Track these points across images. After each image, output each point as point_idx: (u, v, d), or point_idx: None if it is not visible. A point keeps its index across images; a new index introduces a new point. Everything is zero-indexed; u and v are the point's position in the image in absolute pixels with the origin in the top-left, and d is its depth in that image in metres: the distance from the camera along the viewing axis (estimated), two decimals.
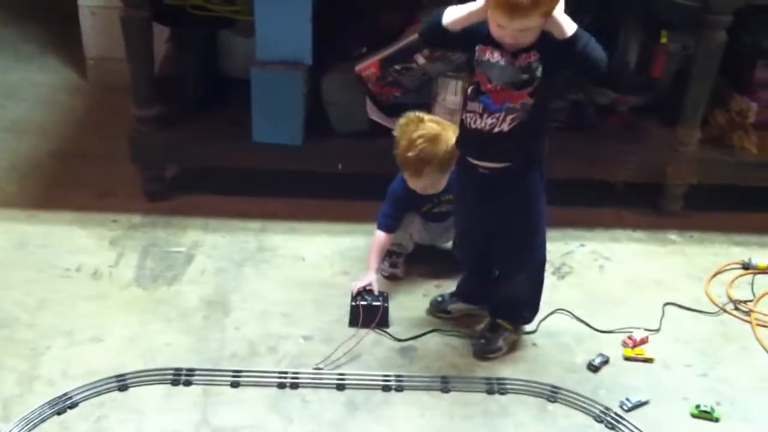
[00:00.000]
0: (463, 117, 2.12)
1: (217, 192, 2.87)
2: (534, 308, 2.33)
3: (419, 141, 2.31)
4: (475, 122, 2.08)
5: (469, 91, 2.10)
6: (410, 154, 2.32)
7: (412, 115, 2.38)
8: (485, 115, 2.06)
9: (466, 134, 2.13)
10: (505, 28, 1.95)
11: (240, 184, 2.88)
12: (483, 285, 2.35)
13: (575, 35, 1.96)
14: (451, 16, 2.02)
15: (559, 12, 1.96)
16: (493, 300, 2.34)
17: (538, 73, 2.00)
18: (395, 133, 2.39)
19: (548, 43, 1.98)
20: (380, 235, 2.46)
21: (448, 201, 2.46)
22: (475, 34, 2.03)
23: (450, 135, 2.31)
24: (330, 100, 2.77)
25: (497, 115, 2.05)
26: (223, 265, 2.58)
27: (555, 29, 1.96)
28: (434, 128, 2.34)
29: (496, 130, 2.06)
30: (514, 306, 2.31)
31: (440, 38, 2.09)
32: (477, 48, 2.04)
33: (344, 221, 2.76)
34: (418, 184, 2.41)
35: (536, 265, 2.26)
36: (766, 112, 2.88)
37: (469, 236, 2.32)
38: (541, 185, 2.17)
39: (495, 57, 2.02)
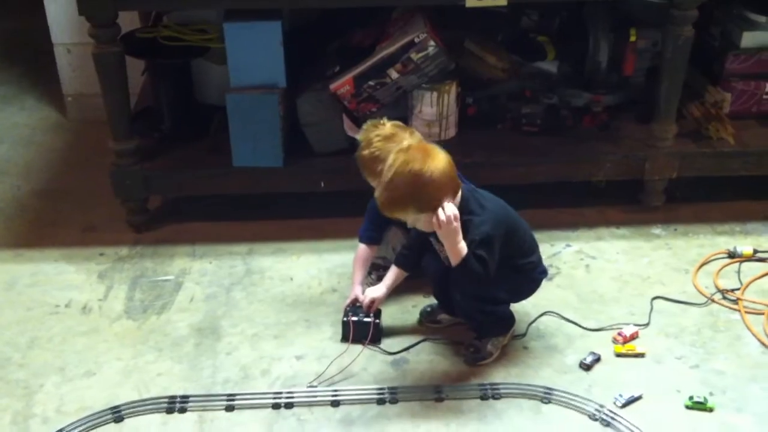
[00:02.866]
0: None
1: (202, 218, 2.88)
2: (507, 317, 2.34)
3: (375, 139, 2.31)
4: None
5: None
6: (365, 152, 2.32)
7: (375, 120, 2.40)
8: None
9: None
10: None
11: (224, 209, 2.90)
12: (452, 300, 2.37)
13: (455, 267, 2.14)
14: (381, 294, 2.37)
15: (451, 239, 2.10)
16: (473, 327, 2.36)
17: None
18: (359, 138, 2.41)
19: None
20: (361, 248, 2.47)
21: None
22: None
23: (408, 137, 2.29)
24: (306, 121, 2.79)
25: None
26: (212, 291, 2.59)
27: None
28: (392, 129, 2.33)
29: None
30: (484, 324, 2.32)
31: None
32: None
33: (330, 239, 2.78)
34: (376, 185, 2.39)
35: (489, 288, 2.25)
36: (740, 102, 2.92)
37: (435, 270, 2.34)
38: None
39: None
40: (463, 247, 2.11)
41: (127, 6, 2.69)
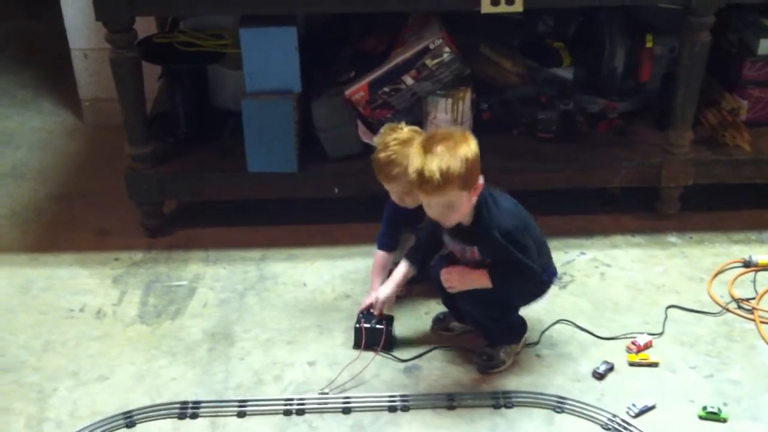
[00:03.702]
0: None
1: (215, 224, 2.89)
2: (519, 325, 2.34)
3: (392, 143, 2.32)
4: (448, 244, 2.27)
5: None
6: (381, 155, 2.33)
7: (392, 124, 2.40)
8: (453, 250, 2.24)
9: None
10: (430, 207, 2.11)
11: (238, 215, 2.90)
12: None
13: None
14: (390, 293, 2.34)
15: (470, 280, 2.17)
16: (484, 335, 2.35)
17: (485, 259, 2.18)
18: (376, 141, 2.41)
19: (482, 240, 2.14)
20: (379, 255, 2.47)
21: None
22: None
23: None
24: (321, 126, 2.79)
25: (464, 261, 2.22)
26: (225, 297, 2.59)
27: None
28: (409, 133, 2.34)
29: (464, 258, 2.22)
30: (496, 333, 2.32)
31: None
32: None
33: (343, 245, 2.78)
34: (393, 190, 2.38)
35: (497, 301, 2.26)
36: (757, 110, 2.90)
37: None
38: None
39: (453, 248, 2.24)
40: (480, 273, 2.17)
41: (144, 12, 2.70)
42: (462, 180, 2.02)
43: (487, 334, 2.33)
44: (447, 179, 2.01)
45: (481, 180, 2.10)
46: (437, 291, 2.40)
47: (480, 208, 2.12)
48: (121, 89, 2.67)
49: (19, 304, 2.58)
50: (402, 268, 2.37)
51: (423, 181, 2.02)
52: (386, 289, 2.36)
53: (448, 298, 2.36)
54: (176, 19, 3.08)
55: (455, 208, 2.08)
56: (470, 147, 2.05)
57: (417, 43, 2.70)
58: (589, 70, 2.99)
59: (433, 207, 2.10)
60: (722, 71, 2.96)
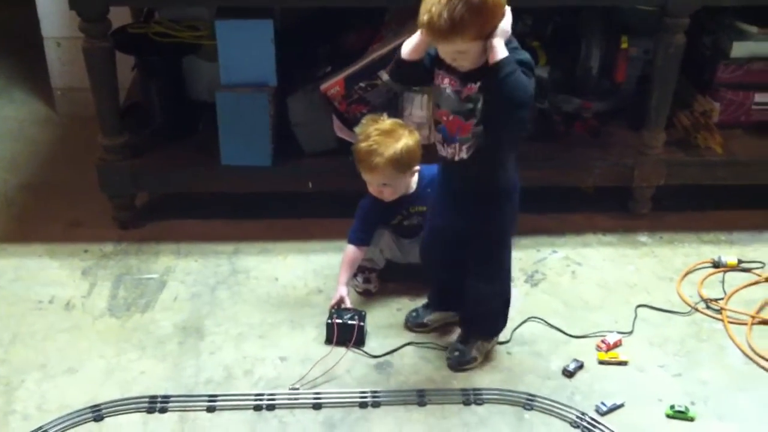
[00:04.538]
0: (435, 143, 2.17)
1: (188, 216, 2.87)
2: (504, 319, 2.34)
3: (374, 133, 2.33)
4: (440, 150, 2.14)
5: (434, 120, 2.14)
6: (363, 144, 2.33)
7: (374, 115, 2.42)
8: (445, 145, 2.12)
9: (438, 159, 2.18)
10: (443, 50, 1.99)
11: (211, 208, 2.89)
12: (452, 291, 2.35)
13: (501, 62, 1.93)
14: (406, 47, 2.05)
15: (498, 38, 1.94)
16: (464, 316, 2.36)
17: (479, 104, 2.01)
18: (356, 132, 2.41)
19: (488, 73, 1.97)
20: (349, 249, 2.47)
21: (417, 213, 2.47)
22: (431, 57, 2.05)
23: (407, 134, 2.35)
24: (296, 121, 2.78)
25: (454, 145, 2.09)
26: (196, 290, 2.58)
27: (489, 55, 1.95)
28: (392, 123, 2.37)
29: (457, 158, 2.10)
30: (485, 320, 2.32)
31: (405, 72, 2.10)
32: (435, 74, 2.07)
33: (316, 240, 2.77)
34: (372, 180, 2.39)
35: (504, 278, 2.27)
36: (729, 112, 2.92)
37: (436, 241, 2.31)
38: (509, 210, 2.19)
39: (444, 83, 2.05)
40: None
41: (118, 1, 2.67)
42: (478, 28, 1.91)
43: (468, 318, 2.33)
44: (453, 30, 1.89)
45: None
46: (425, 266, 2.40)
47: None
48: (94, 80, 2.64)
49: None
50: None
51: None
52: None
53: (442, 277, 2.35)
54: (151, 9, 3.05)
55: (469, 56, 1.97)
56: None
57: (394, 39, 2.69)
58: (565, 70, 2.99)
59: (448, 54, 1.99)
60: (696, 74, 2.98)
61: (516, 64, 1.94)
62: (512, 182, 2.18)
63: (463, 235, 2.21)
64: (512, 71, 1.92)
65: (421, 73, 2.09)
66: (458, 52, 1.97)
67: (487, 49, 1.95)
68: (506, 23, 1.95)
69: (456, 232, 2.23)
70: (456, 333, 2.39)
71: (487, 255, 2.22)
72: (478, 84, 2.00)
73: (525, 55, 1.99)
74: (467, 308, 2.33)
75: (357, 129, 2.42)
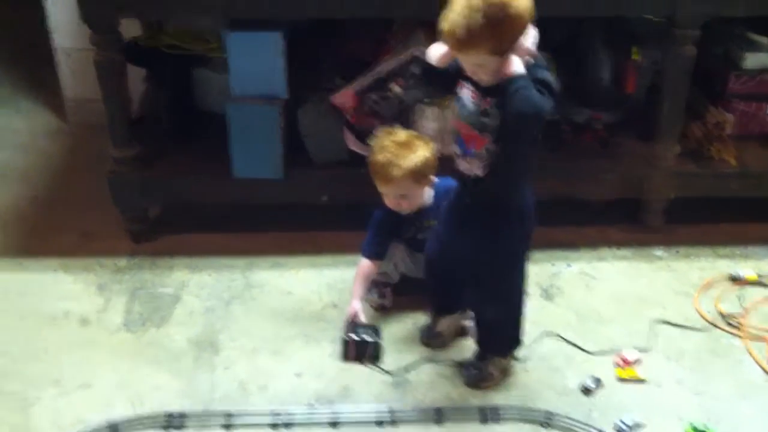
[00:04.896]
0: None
1: (201, 230, 2.87)
2: (518, 338, 2.32)
3: (390, 144, 2.34)
4: (457, 164, 2.13)
5: (453, 130, 2.13)
6: (379, 156, 2.33)
7: (387, 128, 2.43)
8: (461, 158, 2.10)
9: (454, 172, 2.17)
10: (463, 61, 1.98)
11: (224, 221, 2.88)
12: (455, 294, 2.35)
13: (513, 78, 1.91)
14: (433, 53, 2.03)
15: (516, 55, 1.92)
16: (478, 336, 2.35)
17: (496, 119, 1.99)
18: (371, 144, 2.41)
19: (502, 88, 1.95)
20: (363, 263, 2.46)
21: (430, 227, 2.46)
22: (456, 65, 2.04)
23: (423, 145, 2.35)
24: (307, 132, 2.78)
25: (468, 159, 2.08)
26: (210, 304, 2.57)
27: (504, 70, 1.93)
28: (408, 135, 2.37)
29: (472, 174, 2.09)
30: (498, 341, 2.31)
31: (432, 77, 2.09)
32: (459, 82, 2.06)
33: (329, 253, 2.76)
34: (390, 192, 2.38)
35: (514, 299, 2.25)
36: (742, 123, 2.91)
37: (442, 254, 2.30)
38: (520, 232, 2.17)
39: (465, 93, 2.04)
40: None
41: (129, 14, 2.66)
42: (495, 42, 1.89)
43: (481, 340, 2.32)
44: (469, 43, 1.88)
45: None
46: (428, 273, 2.38)
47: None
48: (105, 91, 2.64)
49: (1, 309, 2.54)
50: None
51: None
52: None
53: (445, 279, 2.33)
54: (161, 21, 3.05)
55: (486, 70, 1.95)
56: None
57: (403, 51, 2.69)
58: (575, 81, 2.99)
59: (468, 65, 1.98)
60: (708, 84, 2.97)
61: (528, 81, 1.91)
62: (526, 205, 2.16)
63: (467, 255, 2.20)
64: (522, 87, 1.90)
65: (447, 79, 2.08)
66: (477, 65, 1.96)
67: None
68: (529, 40, 1.94)
69: (460, 250, 2.21)
70: (473, 349, 2.37)
71: (495, 278, 2.21)
72: (495, 99, 1.99)
73: (545, 74, 1.97)
74: (479, 330, 2.33)
75: (371, 141, 2.42)
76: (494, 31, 1.87)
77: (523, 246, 2.21)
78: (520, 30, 1.91)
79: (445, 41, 1.93)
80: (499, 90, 1.97)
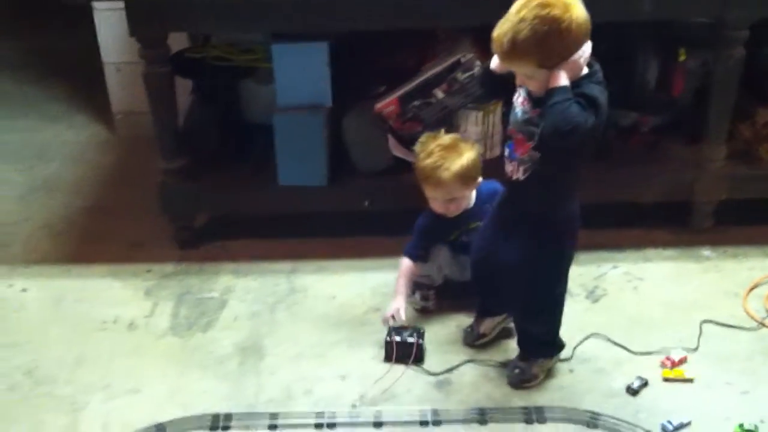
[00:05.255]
0: None
1: (246, 236, 2.90)
2: (557, 344, 2.31)
3: (436, 149, 2.36)
4: (504, 166, 2.14)
5: (506, 134, 2.15)
6: (427, 161, 2.35)
7: (431, 133, 2.44)
8: (507, 161, 2.11)
9: (502, 176, 2.18)
10: (513, 69, 1.99)
11: (268, 227, 2.91)
12: (498, 295, 2.33)
13: (552, 90, 1.89)
14: (495, 59, 2.04)
15: (564, 69, 1.90)
16: (519, 340, 2.34)
17: (539, 128, 1.98)
18: (416, 150, 2.43)
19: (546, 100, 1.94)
20: (405, 262, 2.47)
21: (475, 229, 2.46)
22: (512, 74, 2.04)
23: (470, 148, 2.37)
24: (351, 140, 2.80)
25: (514, 163, 2.09)
26: (255, 309, 2.60)
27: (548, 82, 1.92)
28: (452, 138, 2.40)
29: (515, 177, 2.10)
30: (538, 348, 2.30)
31: (488, 80, 2.11)
32: (516, 89, 2.07)
33: (372, 258, 2.77)
34: (437, 196, 2.40)
35: (554, 311, 2.24)
36: None
37: (483, 260, 2.30)
38: (562, 243, 2.16)
39: (519, 100, 2.06)
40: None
41: (177, 28, 2.72)
42: (543, 56, 1.88)
43: (522, 345, 2.32)
44: (515, 55, 1.90)
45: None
46: (473, 274, 2.37)
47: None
48: (153, 104, 2.69)
49: (52, 316, 2.60)
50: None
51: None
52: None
53: (489, 281, 2.32)
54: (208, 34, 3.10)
55: (535, 82, 1.95)
56: (575, 16, 1.86)
57: (448, 57, 2.70)
58: (621, 84, 2.96)
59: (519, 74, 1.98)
60: (757, 84, 2.92)
61: (569, 94, 1.89)
62: (568, 216, 2.15)
63: (510, 261, 2.18)
64: (562, 100, 1.88)
65: (503, 85, 2.08)
66: (526, 76, 1.96)
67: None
68: (581, 56, 1.91)
69: (502, 255, 2.20)
70: (516, 350, 2.36)
71: (535, 287, 2.19)
72: (541, 109, 1.97)
73: (593, 89, 1.93)
74: (519, 335, 2.33)
75: (416, 147, 2.43)
76: (541, 44, 1.86)
77: (564, 257, 2.20)
78: (571, 45, 1.89)
79: (493, 49, 1.94)
80: (544, 101, 1.96)
